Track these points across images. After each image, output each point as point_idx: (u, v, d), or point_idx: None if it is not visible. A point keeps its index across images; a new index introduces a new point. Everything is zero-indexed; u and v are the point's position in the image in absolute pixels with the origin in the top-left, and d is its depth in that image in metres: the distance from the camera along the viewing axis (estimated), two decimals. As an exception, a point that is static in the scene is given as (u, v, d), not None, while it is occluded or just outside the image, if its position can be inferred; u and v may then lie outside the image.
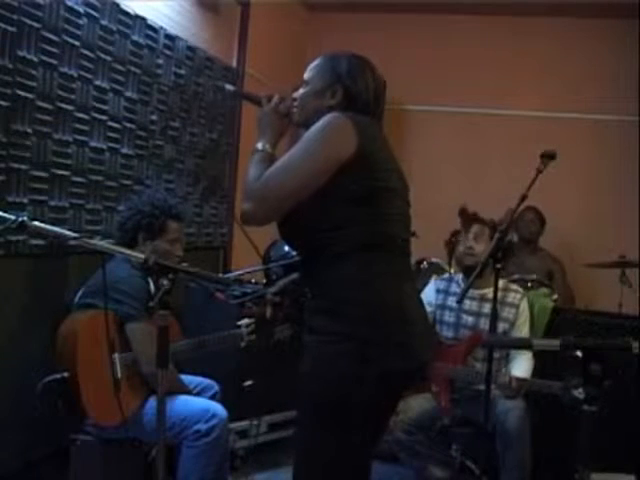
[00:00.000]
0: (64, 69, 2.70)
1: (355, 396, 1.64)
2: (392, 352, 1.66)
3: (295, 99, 1.86)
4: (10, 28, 2.40)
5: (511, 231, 2.56)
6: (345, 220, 1.67)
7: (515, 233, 4.59)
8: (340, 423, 1.66)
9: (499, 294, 2.59)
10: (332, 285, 1.69)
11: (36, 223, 1.81)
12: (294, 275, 1.83)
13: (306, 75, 1.87)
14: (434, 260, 4.06)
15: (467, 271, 3.05)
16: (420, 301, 1.84)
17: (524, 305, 3.08)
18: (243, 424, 3.23)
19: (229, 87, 2.07)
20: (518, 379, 2.83)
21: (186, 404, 2.57)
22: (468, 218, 3.10)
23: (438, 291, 3.19)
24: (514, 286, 3.17)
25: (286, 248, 3.52)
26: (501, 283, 2.65)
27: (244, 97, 1.98)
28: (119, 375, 2.46)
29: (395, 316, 1.69)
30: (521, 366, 2.96)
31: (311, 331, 1.71)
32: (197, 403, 2.62)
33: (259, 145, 1.81)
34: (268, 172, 1.68)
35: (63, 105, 2.71)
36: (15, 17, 2.42)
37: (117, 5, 3.03)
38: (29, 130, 2.55)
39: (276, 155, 1.79)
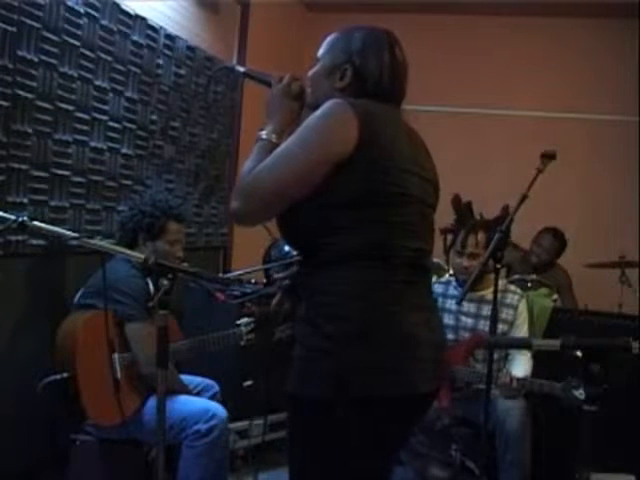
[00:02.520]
0: (64, 69, 2.70)
1: (336, 422, 1.46)
2: (378, 376, 1.45)
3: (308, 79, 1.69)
4: (10, 28, 2.40)
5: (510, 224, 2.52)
6: (343, 224, 1.48)
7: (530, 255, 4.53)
8: (323, 450, 1.50)
9: (497, 295, 2.58)
10: (318, 294, 1.50)
11: (36, 223, 1.81)
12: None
13: (319, 51, 1.67)
14: (434, 260, 4.05)
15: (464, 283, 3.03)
16: (434, 320, 1.61)
17: (522, 306, 3.07)
18: (243, 424, 3.23)
19: (239, 68, 1.95)
20: (518, 379, 2.83)
21: (186, 404, 2.57)
22: (461, 210, 3.07)
23: (436, 294, 3.18)
24: (512, 287, 3.16)
25: (286, 248, 3.51)
26: (500, 284, 2.65)
27: (253, 78, 1.83)
28: (119, 375, 2.46)
29: (387, 335, 1.47)
30: (521, 366, 2.96)
31: (296, 342, 1.53)
32: (197, 403, 2.62)
33: (263, 133, 1.61)
34: (259, 166, 1.50)
35: (63, 105, 2.71)
36: (15, 17, 2.42)
37: (117, 5, 3.03)
38: (29, 130, 2.54)
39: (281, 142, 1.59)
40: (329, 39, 1.68)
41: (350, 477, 1.53)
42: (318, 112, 1.50)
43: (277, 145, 1.56)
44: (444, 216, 3.30)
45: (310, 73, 1.69)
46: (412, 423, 1.66)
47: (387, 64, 1.60)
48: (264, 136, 1.61)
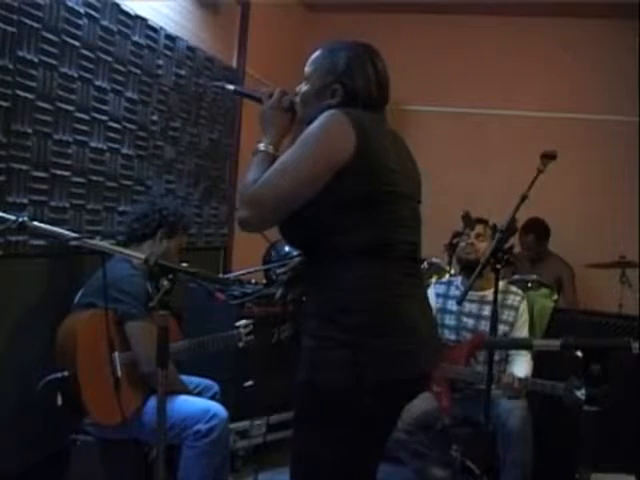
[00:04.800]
0: (64, 69, 2.70)
1: (351, 406, 1.58)
2: (390, 361, 1.59)
3: (297, 93, 1.78)
4: (10, 28, 2.40)
5: (512, 238, 2.59)
6: (345, 225, 1.60)
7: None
8: (336, 434, 1.61)
9: (499, 296, 2.59)
10: (328, 290, 1.62)
11: (36, 223, 1.81)
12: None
13: (306, 70, 1.78)
14: (434, 260, 4.05)
15: (467, 267, 3.05)
16: (427, 308, 1.78)
17: (524, 307, 3.07)
18: (243, 424, 3.23)
19: (229, 87, 2.02)
20: (520, 379, 2.83)
21: (186, 404, 2.57)
22: (471, 222, 3.10)
23: (438, 295, 3.19)
24: (513, 288, 3.16)
25: (286, 248, 3.52)
26: (501, 285, 2.65)
27: (244, 96, 1.95)
28: (119, 374, 2.46)
29: (395, 324, 1.62)
30: (521, 367, 2.96)
31: (307, 335, 1.64)
32: (197, 403, 2.62)
33: (261, 145, 1.72)
34: (264, 176, 1.60)
35: (63, 105, 2.71)
36: (15, 17, 2.42)
37: (117, 5, 3.03)
38: (29, 130, 2.54)
39: (278, 154, 1.70)
40: (314, 58, 1.78)
41: (359, 455, 1.65)
42: (316, 123, 1.61)
43: (274, 156, 1.68)
44: (449, 225, 3.33)
45: (300, 92, 1.78)
46: (410, 400, 1.81)
47: (373, 79, 1.72)
48: (262, 148, 1.72)
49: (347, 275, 1.60)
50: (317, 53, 1.78)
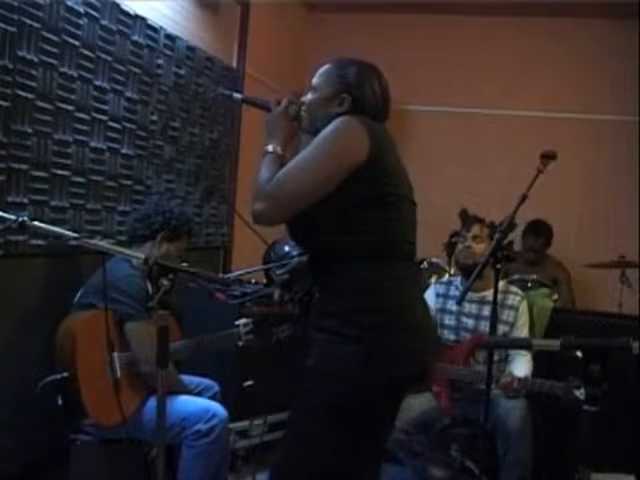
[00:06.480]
0: (64, 69, 2.70)
1: (359, 397, 1.66)
2: (400, 358, 1.68)
3: (303, 103, 1.87)
4: (10, 28, 2.40)
5: (511, 234, 2.57)
6: (355, 225, 1.69)
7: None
8: (340, 422, 1.66)
9: (499, 296, 2.59)
10: (342, 291, 1.70)
11: (36, 223, 1.81)
12: (303, 257, 1.83)
13: (314, 81, 1.87)
14: (434, 260, 4.06)
15: (465, 271, 3.05)
16: (427, 306, 1.87)
17: (524, 307, 3.07)
18: (243, 424, 3.23)
19: (237, 95, 2.06)
20: (520, 379, 2.83)
21: (186, 404, 2.57)
22: (468, 220, 3.10)
23: (438, 295, 3.19)
24: (513, 288, 3.16)
25: (286, 248, 3.51)
26: (500, 285, 2.64)
27: (252, 104, 2.00)
28: (118, 375, 2.46)
29: (405, 322, 1.72)
30: (521, 367, 2.96)
31: (320, 330, 1.71)
32: (197, 403, 2.62)
33: (269, 147, 1.80)
34: (280, 173, 1.68)
35: (63, 105, 2.71)
36: (15, 17, 2.42)
37: (117, 5, 3.03)
38: (29, 130, 2.54)
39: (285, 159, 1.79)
40: (324, 70, 1.87)
41: (359, 446, 1.72)
42: (331, 126, 1.70)
43: (283, 156, 1.78)
44: (449, 225, 3.33)
45: (307, 100, 1.87)
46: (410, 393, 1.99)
47: (379, 92, 1.84)
48: (271, 149, 1.79)
49: (359, 276, 1.69)
50: (327, 66, 1.87)
